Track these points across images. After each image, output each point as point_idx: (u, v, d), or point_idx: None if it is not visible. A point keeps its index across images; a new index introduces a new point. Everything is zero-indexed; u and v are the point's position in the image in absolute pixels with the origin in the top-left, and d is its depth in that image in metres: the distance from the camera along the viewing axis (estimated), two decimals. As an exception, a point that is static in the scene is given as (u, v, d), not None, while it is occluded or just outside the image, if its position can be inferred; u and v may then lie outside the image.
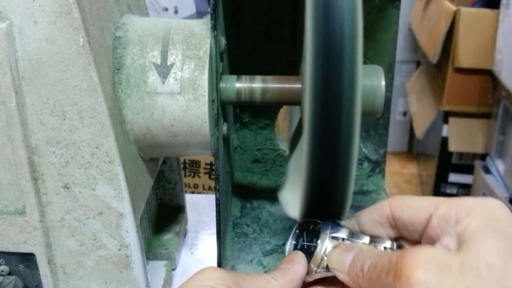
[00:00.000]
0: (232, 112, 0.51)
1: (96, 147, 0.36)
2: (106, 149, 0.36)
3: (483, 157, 1.51)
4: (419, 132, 1.66)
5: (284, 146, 0.54)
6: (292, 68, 0.48)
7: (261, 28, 0.48)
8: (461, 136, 1.51)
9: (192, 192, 1.28)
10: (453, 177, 1.61)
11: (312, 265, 0.32)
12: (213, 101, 0.39)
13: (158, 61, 0.38)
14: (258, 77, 0.39)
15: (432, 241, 0.29)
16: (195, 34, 0.39)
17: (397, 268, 0.26)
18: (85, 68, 0.34)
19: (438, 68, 1.53)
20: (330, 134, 0.29)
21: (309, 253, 0.33)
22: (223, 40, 0.39)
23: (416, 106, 1.76)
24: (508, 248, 0.26)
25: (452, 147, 1.51)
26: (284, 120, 0.60)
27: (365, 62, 0.47)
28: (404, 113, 2.15)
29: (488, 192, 1.38)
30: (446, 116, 1.52)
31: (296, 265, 0.32)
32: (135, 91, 0.38)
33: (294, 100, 0.39)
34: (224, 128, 0.42)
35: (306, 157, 0.30)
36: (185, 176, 1.28)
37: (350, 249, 0.31)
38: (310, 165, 0.31)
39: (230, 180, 0.51)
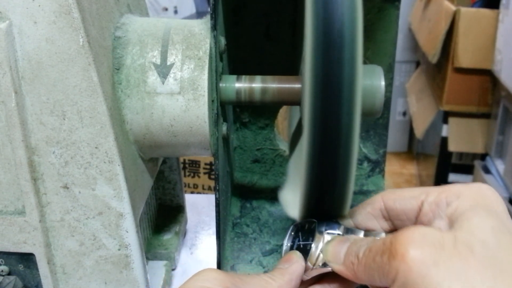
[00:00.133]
0: (232, 112, 0.51)
1: (96, 147, 0.36)
2: (105, 149, 0.36)
3: (482, 157, 1.52)
4: (419, 132, 1.66)
5: (284, 146, 0.54)
6: (292, 68, 0.48)
7: (261, 28, 0.48)
8: (461, 136, 1.51)
9: (192, 192, 1.28)
10: (452, 177, 1.61)
11: (308, 263, 0.32)
12: (212, 101, 0.39)
13: (158, 61, 0.38)
14: (258, 77, 0.39)
15: None
16: (194, 34, 0.39)
17: (391, 248, 0.26)
18: (85, 68, 0.34)
19: (438, 68, 1.53)
20: (330, 134, 0.30)
21: (305, 252, 0.33)
22: (223, 40, 0.39)
23: (415, 106, 1.77)
24: (499, 224, 0.27)
25: (452, 147, 1.51)
26: (284, 120, 0.60)
27: (364, 62, 0.47)
28: (404, 113, 2.15)
29: (487, 192, 1.37)
30: (445, 116, 1.52)
31: (294, 265, 0.32)
32: (135, 91, 0.38)
33: (294, 100, 0.39)
34: (224, 128, 0.42)
35: (306, 157, 0.30)
36: (184, 176, 1.28)
37: (344, 240, 0.31)
38: (310, 165, 0.31)
39: (230, 180, 0.51)
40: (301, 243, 0.33)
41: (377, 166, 0.53)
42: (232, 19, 0.47)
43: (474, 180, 1.53)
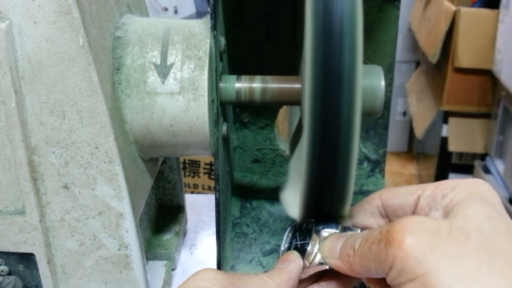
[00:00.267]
0: (232, 112, 0.51)
1: (96, 147, 0.36)
2: (105, 149, 0.36)
3: (482, 157, 1.52)
4: (419, 132, 1.66)
5: (283, 146, 0.54)
6: (292, 68, 0.48)
7: (261, 28, 0.48)
8: (461, 136, 1.51)
9: (192, 192, 1.28)
10: (452, 177, 1.61)
11: (305, 261, 0.32)
12: (212, 101, 0.39)
13: (158, 61, 0.38)
14: (258, 77, 0.39)
15: None
16: (194, 34, 0.39)
17: (388, 236, 0.26)
18: (85, 68, 0.34)
19: (438, 68, 1.53)
20: (330, 134, 0.30)
21: (302, 251, 0.33)
22: (222, 40, 0.39)
23: (415, 106, 1.77)
24: (494, 212, 0.27)
25: (452, 147, 1.51)
26: (284, 120, 0.60)
27: (364, 62, 0.47)
28: (404, 113, 2.15)
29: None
30: (445, 116, 1.52)
31: (292, 264, 0.32)
32: (135, 91, 0.38)
33: (294, 100, 0.39)
34: (224, 128, 0.42)
35: (306, 157, 0.30)
36: (184, 176, 1.28)
37: (341, 236, 0.32)
38: (310, 165, 0.31)
39: (230, 180, 0.51)
40: (298, 242, 0.34)
41: (377, 166, 0.53)
42: (232, 19, 0.47)
43: (474, 180, 1.53)
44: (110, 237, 0.39)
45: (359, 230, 0.33)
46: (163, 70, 0.38)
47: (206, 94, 0.38)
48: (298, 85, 0.38)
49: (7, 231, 0.38)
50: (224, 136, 0.42)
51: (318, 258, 0.32)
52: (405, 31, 1.98)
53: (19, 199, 0.38)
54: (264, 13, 0.48)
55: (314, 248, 0.32)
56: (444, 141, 1.54)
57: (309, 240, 0.33)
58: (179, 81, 0.38)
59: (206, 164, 1.26)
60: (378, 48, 0.47)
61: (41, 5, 0.33)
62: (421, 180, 1.90)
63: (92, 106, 0.35)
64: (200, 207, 0.65)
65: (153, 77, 0.38)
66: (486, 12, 1.36)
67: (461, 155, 1.58)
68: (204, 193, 1.27)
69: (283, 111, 0.54)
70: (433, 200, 0.30)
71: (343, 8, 0.28)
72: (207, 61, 0.38)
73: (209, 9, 0.36)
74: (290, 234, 0.35)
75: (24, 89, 0.35)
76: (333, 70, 0.29)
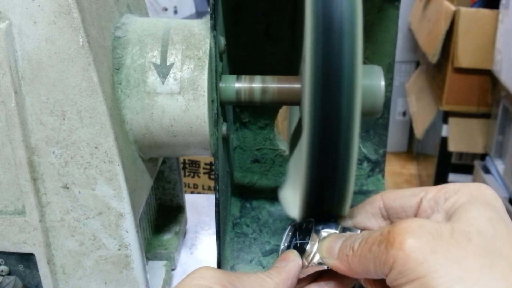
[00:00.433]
0: (232, 112, 0.51)
1: (96, 147, 0.36)
2: (105, 149, 0.36)
3: (482, 157, 1.52)
4: (419, 132, 1.66)
5: (283, 146, 0.54)
6: (292, 68, 0.48)
7: (260, 27, 0.48)
8: (461, 136, 1.51)
9: (192, 192, 1.28)
10: (452, 177, 1.61)
11: (304, 260, 0.32)
12: (212, 101, 0.39)
13: (158, 61, 0.38)
14: (258, 77, 0.39)
15: None
16: (194, 34, 0.39)
17: (389, 237, 0.26)
18: (85, 68, 0.34)
19: (438, 68, 1.53)
20: (330, 134, 0.30)
21: (302, 250, 0.33)
22: (222, 40, 0.39)
23: (415, 106, 1.77)
24: (496, 216, 0.27)
25: (452, 147, 1.51)
26: (283, 120, 0.60)
27: (364, 62, 0.47)
28: (404, 113, 2.15)
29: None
30: (445, 116, 1.52)
31: (290, 263, 0.32)
32: (135, 91, 0.38)
33: (294, 100, 0.39)
34: (224, 128, 0.42)
35: (305, 157, 0.30)
36: (184, 176, 1.28)
37: (340, 236, 0.32)
38: (310, 165, 0.31)
39: (230, 180, 0.51)
40: (298, 242, 0.34)
41: (377, 166, 0.53)
42: (232, 19, 0.47)
43: (474, 180, 1.53)
44: (110, 237, 0.39)
45: (359, 231, 0.33)
46: (163, 70, 0.38)
47: (206, 94, 0.38)
48: (298, 85, 0.38)
49: (7, 231, 0.38)
50: (224, 136, 0.42)
51: (317, 258, 0.32)
52: (405, 31, 1.98)
53: (19, 199, 0.38)
54: (264, 13, 0.48)
55: (313, 247, 0.32)
56: (444, 141, 1.54)
57: (309, 239, 0.33)
58: (179, 81, 0.38)
59: (206, 164, 1.26)
60: (378, 48, 0.47)
61: (41, 5, 0.33)
62: (421, 180, 1.90)
63: (92, 106, 0.35)
64: (200, 207, 0.65)
65: (153, 77, 0.38)
66: (486, 12, 1.36)
67: (461, 155, 1.58)
68: (204, 193, 1.27)
69: (283, 111, 0.54)
70: (436, 202, 0.30)
71: (343, 8, 0.28)
72: (207, 61, 0.38)
73: (209, 9, 0.36)
74: (290, 233, 0.35)
75: (24, 89, 0.35)
76: (333, 70, 0.29)
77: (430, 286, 0.24)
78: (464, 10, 1.36)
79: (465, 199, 0.29)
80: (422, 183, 1.88)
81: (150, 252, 0.51)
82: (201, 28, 0.39)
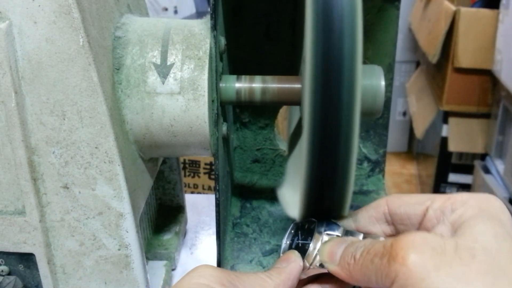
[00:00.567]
0: (232, 112, 0.51)
1: (96, 147, 0.36)
2: (105, 149, 0.36)
3: (482, 157, 1.52)
4: (419, 132, 1.66)
5: (283, 146, 0.54)
6: (292, 68, 0.48)
7: (261, 28, 0.48)
8: (461, 136, 1.51)
9: (192, 192, 1.28)
10: (452, 177, 1.61)
11: (305, 262, 0.32)
12: (212, 101, 0.39)
13: (158, 61, 0.38)
14: (258, 77, 0.39)
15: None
16: (194, 34, 0.39)
17: (391, 251, 0.26)
18: (85, 68, 0.34)
19: (438, 68, 1.53)
20: (330, 134, 0.30)
21: (303, 251, 0.33)
22: (222, 40, 0.39)
23: (415, 106, 1.77)
24: (502, 231, 0.26)
25: (452, 147, 1.51)
26: (283, 120, 0.60)
27: (364, 62, 0.47)
28: (404, 113, 2.15)
29: (487, 192, 1.37)
30: (445, 116, 1.52)
31: (292, 264, 0.32)
32: (135, 91, 0.38)
33: (294, 100, 0.39)
34: (224, 128, 0.42)
35: (305, 157, 0.30)
36: (185, 176, 1.28)
37: (341, 242, 0.31)
38: (310, 165, 0.31)
39: (230, 180, 0.51)
40: (300, 242, 0.33)
41: (377, 166, 0.53)
42: (232, 19, 0.47)
43: (474, 180, 1.53)
44: (110, 237, 0.39)
45: (361, 235, 0.32)
46: (163, 70, 0.38)
47: (206, 94, 0.38)
48: (298, 85, 0.38)
49: (7, 231, 0.38)
50: (224, 136, 0.42)
51: (318, 260, 0.32)
52: (405, 31, 1.98)
53: (19, 199, 0.38)
54: (264, 13, 0.48)
55: (315, 249, 0.32)
56: (444, 141, 1.54)
57: (311, 240, 0.33)
58: (179, 81, 0.38)
59: (206, 164, 1.26)
60: (378, 48, 0.47)
61: (41, 5, 0.33)
62: (421, 180, 1.90)
63: (92, 106, 0.35)
64: (200, 207, 0.65)
65: (153, 77, 0.38)
66: (486, 12, 1.36)
67: (461, 155, 1.58)
68: (204, 193, 1.27)
69: (283, 111, 0.54)
70: (442, 213, 0.29)
71: (343, 8, 0.28)
72: (207, 61, 0.38)
73: (209, 9, 0.36)
74: (292, 231, 0.35)
75: (24, 89, 0.35)
76: (333, 70, 0.29)
77: None
78: (464, 10, 1.36)
79: (472, 212, 0.28)
80: (422, 183, 1.88)
81: (150, 252, 0.51)
82: (201, 28, 0.40)
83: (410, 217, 0.31)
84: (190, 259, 0.55)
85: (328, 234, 0.33)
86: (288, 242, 0.34)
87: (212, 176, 1.27)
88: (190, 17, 1.83)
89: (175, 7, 1.77)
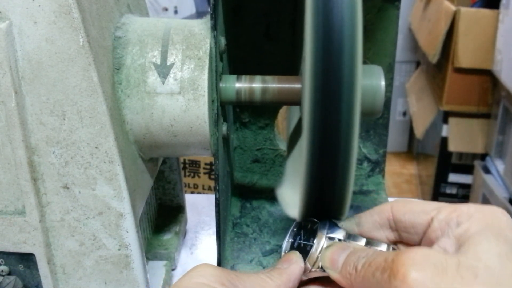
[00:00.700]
0: (232, 112, 0.51)
1: (96, 147, 0.36)
2: (105, 149, 0.36)
3: (482, 157, 1.51)
4: (419, 132, 1.66)
5: (283, 146, 0.54)
6: (292, 68, 0.48)
7: (261, 28, 0.48)
8: (461, 136, 1.51)
9: (192, 192, 1.28)
10: (452, 177, 1.61)
11: (307, 264, 0.32)
12: (212, 101, 0.39)
13: (158, 61, 0.38)
14: (258, 77, 0.39)
15: (431, 244, 0.29)
16: (195, 34, 0.39)
17: (393, 267, 0.26)
18: (85, 68, 0.34)
19: (438, 68, 1.53)
20: (330, 134, 0.29)
21: (305, 252, 0.33)
22: (223, 40, 0.39)
23: (415, 106, 1.77)
24: (507, 250, 0.26)
25: (452, 147, 1.51)
26: (283, 120, 0.60)
27: (365, 62, 0.47)
28: (404, 113, 2.15)
29: (487, 192, 1.38)
30: (445, 116, 1.52)
31: (293, 265, 0.32)
32: (135, 91, 0.38)
33: (294, 100, 0.39)
34: (224, 128, 0.42)
35: (305, 157, 0.30)
36: (185, 176, 1.28)
37: (344, 248, 0.31)
38: (310, 165, 0.31)
39: (230, 180, 0.51)
40: (302, 242, 0.33)
41: (377, 166, 0.53)
42: (232, 19, 0.47)
43: (474, 180, 1.53)
44: (110, 237, 0.39)
45: (363, 240, 0.32)
46: (163, 70, 0.38)
47: (206, 94, 0.38)
48: (298, 85, 0.38)
49: (7, 231, 0.38)
50: (224, 136, 0.42)
51: (319, 263, 0.32)
52: (405, 31, 1.98)
53: (19, 199, 0.38)
54: (264, 13, 0.48)
55: (317, 252, 0.32)
56: (444, 141, 1.54)
57: (312, 242, 0.33)
58: (179, 81, 0.38)
59: (206, 164, 1.26)
60: (378, 48, 0.47)
61: (41, 5, 0.33)
62: (421, 180, 1.90)
63: (92, 106, 0.35)
64: (200, 207, 0.65)
65: (153, 77, 0.38)
66: (486, 12, 1.36)
67: (461, 155, 1.58)
68: (204, 193, 1.27)
69: (283, 111, 0.54)
70: (447, 225, 0.29)
71: (343, 8, 0.28)
72: (207, 61, 0.38)
73: (209, 9, 0.36)
74: (295, 229, 0.35)
75: (24, 89, 0.35)
76: (333, 70, 0.28)
77: None
78: (464, 10, 1.36)
79: (478, 227, 0.28)
80: (422, 183, 1.88)
81: (150, 252, 0.51)
82: (201, 28, 0.40)
83: (415, 226, 0.31)
84: (190, 259, 0.55)
85: (330, 238, 0.33)
86: (290, 240, 0.34)
87: (212, 176, 1.27)
88: (190, 17, 1.83)
89: (175, 7, 1.77)
